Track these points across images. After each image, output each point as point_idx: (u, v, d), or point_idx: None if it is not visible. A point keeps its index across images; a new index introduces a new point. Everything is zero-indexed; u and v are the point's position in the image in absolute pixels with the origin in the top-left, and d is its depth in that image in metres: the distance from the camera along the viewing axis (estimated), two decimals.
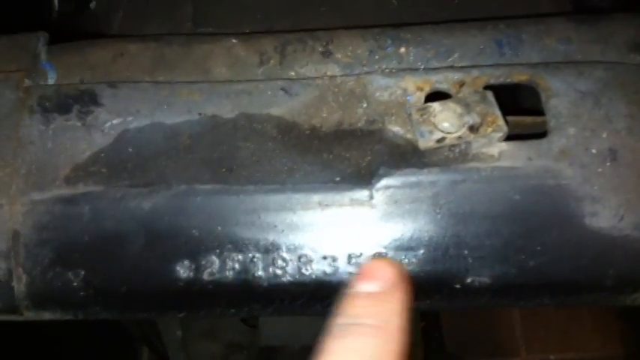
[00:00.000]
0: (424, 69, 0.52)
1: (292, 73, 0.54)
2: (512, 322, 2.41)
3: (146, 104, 0.52)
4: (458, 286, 0.49)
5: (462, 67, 0.52)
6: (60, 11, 0.93)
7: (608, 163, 0.48)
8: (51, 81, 0.54)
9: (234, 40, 0.56)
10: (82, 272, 0.49)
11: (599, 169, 0.48)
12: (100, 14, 0.80)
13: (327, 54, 0.55)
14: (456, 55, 0.53)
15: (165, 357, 1.57)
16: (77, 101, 0.52)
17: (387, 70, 0.53)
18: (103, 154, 0.51)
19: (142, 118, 0.52)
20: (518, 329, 2.41)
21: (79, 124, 0.52)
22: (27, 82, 0.53)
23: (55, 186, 0.50)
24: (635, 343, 2.30)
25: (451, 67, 0.52)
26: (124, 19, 0.72)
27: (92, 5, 0.83)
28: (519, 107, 0.52)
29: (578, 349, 2.35)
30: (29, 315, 0.51)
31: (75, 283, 0.50)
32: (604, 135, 0.49)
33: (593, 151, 0.48)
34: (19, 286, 0.50)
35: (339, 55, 0.55)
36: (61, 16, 0.93)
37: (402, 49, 0.54)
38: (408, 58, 0.53)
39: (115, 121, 0.52)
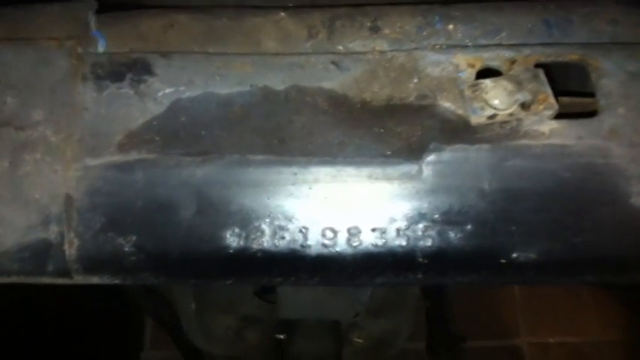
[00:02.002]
0: (473, 46, 0.54)
1: (340, 48, 0.56)
2: (514, 305, 2.44)
3: (199, 75, 0.54)
4: (504, 261, 0.51)
5: (513, 45, 0.54)
6: None
7: None
8: (101, 49, 0.55)
9: (282, 14, 0.57)
10: (134, 237, 0.51)
11: None
12: None
13: (375, 29, 0.56)
14: (504, 34, 0.55)
15: (171, 329, 1.60)
16: (130, 69, 0.54)
17: (437, 47, 0.54)
18: (156, 122, 0.52)
19: (195, 88, 0.54)
20: (520, 312, 2.44)
21: (131, 92, 0.53)
22: (79, 50, 0.54)
23: (109, 152, 0.52)
24: (635, 328, 2.33)
25: (502, 45, 0.53)
26: None
27: None
28: (567, 88, 0.53)
29: (578, 334, 2.38)
30: (78, 279, 0.53)
31: (126, 248, 0.51)
32: None
33: None
34: (71, 249, 0.51)
35: (387, 31, 0.56)
36: None
37: (451, 26, 0.56)
38: (457, 35, 0.55)
39: (167, 91, 0.53)
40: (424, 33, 0.55)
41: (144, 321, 2.34)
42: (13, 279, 0.52)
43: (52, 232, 0.52)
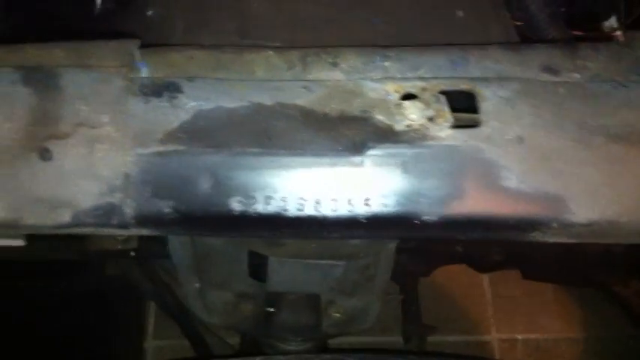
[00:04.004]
0: (400, 78, 0.76)
1: (310, 76, 0.76)
2: (485, 304, 2.59)
3: (212, 93, 0.74)
4: (417, 222, 0.74)
5: (426, 78, 0.76)
6: (102, 9, 1.15)
7: (517, 145, 0.73)
8: (144, 74, 0.76)
9: (270, 52, 0.79)
10: (171, 202, 0.71)
11: (511, 149, 0.73)
12: (157, 22, 1.03)
13: (334, 64, 0.77)
14: (423, 70, 0.77)
15: (173, 312, 1.77)
16: (166, 89, 0.74)
17: (376, 78, 0.77)
18: (185, 125, 0.73)
19: (210, 102, 0.74)
20: (490, 310, 2.57)
21: (167, 104, 0.74)
22: (129, 75, 0.76)
23: (154, 144, 0.72)
24: (594, 326, 2.46)
25: (419, 78, 0.76)
26: (184, 29, 0.97)
27: (149, 13, 1.06)
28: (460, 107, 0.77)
29: (542, 331, 2.50)
30: (134, 230, 0.74)
31: (166, 209, 0.71)
32: (515, 127, 0.74)
33: (508, 137, 0.73)
34: (128, 210, 0.72)
35: (343, 66, 0.77)
36: (104, 14, 1.15)
37: (387, 63, 0.77)
38: (390, 70, 0.77)
39: (192, 104, 0.74)
40: (368, 67, 0.77)
41: (146, 311, 2.43)
42: (89, 230, 0.73)
43: (116, 198, 0.71)
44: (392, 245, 1.37)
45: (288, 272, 1.22)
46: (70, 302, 2.03)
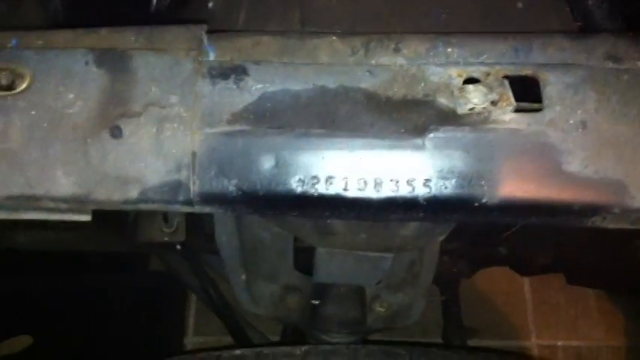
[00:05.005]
0: (463, 63, 0.77)
1: (373, 62, 0.77)
2: (525, 309, 2.59)
3: (278, 76, 0.76)
4: (477, 204, 0.74)
5: (489, 63, 0.77)
6: (158, 5, 1.19)
7: (580, 130, 0.74)
8: (212, 58, 0.78)
9: (333, 37, 0.80)
10: (236, 181, 0.74)
11: (574, 134, 0.74)
12: (219, 14, 1.06)
13: (397, 50, 0.78)
14: (485, 56, 0.78)
15: (217, 307, 1.80)
16: (233, 71, 0.77)
17: (439, 63, 0.78)
18: (250, 107, 0.75)
19: (275, 85, 0.76)
20: (530, 316, 2.58)
21: (234, 86, 0.76)
22: (199, 58, 0.78)
23: (221, 124, 0.74)
24: (636, 334, 2.44)
25: (482, 63, 0.77)
26: (246, 20, 0.99)
27: (210, 5, 1.09)
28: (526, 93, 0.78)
29: (583, 338, 2.50)
30: (198, 208, 0.76)
31: (230, 188, 0.73)
32: (579, 112, 0.74)
33: (571, 121, 0.74)
34: (194, 187, 0.74)
35: (405, 51, 0.78)
36: (160, 9, 1.19)
37: (449, 49, 0.78)
38: (453, 56, 0.78)
39: (258, 86, 0.76)
40: (431, 53, 0.78)
41: (187, 307, 2.48)
42: (155, 206, 0.75)
43: (182, 176, 0.73)
44: (437, 242, 1.38)
45: (336, 263, 1.24)
46: (114, 297, 2.09)
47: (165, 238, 1.53)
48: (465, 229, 1.60)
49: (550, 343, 2.55)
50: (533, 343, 2.56)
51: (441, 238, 1.23)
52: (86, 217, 0.78)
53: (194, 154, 0.75)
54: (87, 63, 0.78)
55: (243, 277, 1.45)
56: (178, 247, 1.57)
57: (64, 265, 1.95)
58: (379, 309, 1.44)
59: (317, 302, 1.39)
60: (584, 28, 1.05)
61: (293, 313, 1.44)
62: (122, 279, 2.21)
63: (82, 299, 2.00)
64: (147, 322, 2.12)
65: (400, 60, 0.78)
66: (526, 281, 2.55)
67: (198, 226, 1.54)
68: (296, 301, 1.43)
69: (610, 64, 0.77)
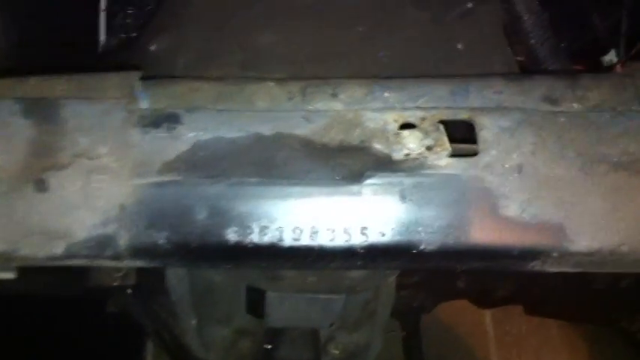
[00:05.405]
0: (400, 108, 0.76)
1: (310, 107, 0.76)
2: (487, 341, 2.58)
3: (212, 124, 0.75)
4: (415, 251, 0.73)
5: (426, 108, 0.76)
6: (106, 45, 1.17)
7: (516, 174, 0.73)
8: (144, 106, 0.76)
9: (271, 83, 0.79)
10: (166, 233, 0.72)
11: (511, 177, 0.73)
12: (162, 57, 1.04)
13: (334, 95, 0.77)
14: (422, 100, 0.77)
15: (171, 349, 1.75)
16: (166, 120, 0.75)
17: (375, 108, 0.77)
18: (183, 156, 0.73)
19: (209, 132, 0.74)
20: (493, 347, 2.57)
21: (166, 135, 0.74)
22: (130, 106, 0.76)
23: (151, 175, 0.72)
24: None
25: (418, 107, 0.76)
26: (187, 64, 0.97)
27: (153, 48, 1.07)
28: (459, 137, 0.77)
29: None
30: (127, 262, 0.73)
31: (160, 240, 0.72)
32: (514, 156, 0.74)
33: (507, 165, 0.73)
34: (122, 241, 0.72)
35: (342, 96, 0.77)
36: (108, 52, 1.17)
37: (386, 94, 0.77)
38: (389, 101, 0.77)
39: (190, 134, 0.74)
40: (368, 98, 0.77)
41: (145, 348, 2.47)
42: (82, 261, 0.72)
43: (110, 229, 0.71)
44: (392, 279, 1.36)
45: (286, 307, 1.21)
46: (71, 338, 2.03)
47: (115, 283, 1.48)
48: None
49: None
50: None
51: (392, 278, 1.22)
52: (10, 275, 0.74)
53: (122, 207, 0.73)
54: (13, 114, 0.76)
55: (194, 321, 1.40)
56: (129, 290, 1.53)
57: (19, 309, 1.90)
58: (334, 351, 1.41)
59: (269, 347, 1.36)
60: (525, 65, 1.05)
61: (245, 359, 1.40)
62: (78, 321, 2.16)
63: (38, 340, 1.95)
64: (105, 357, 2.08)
65: (337, 105, 0.77)
66: (488, 313, 2.55)
67: (150, 268, 1.50)
68: (248, 346, 1.40)
69: (547, 106, 0.77)
